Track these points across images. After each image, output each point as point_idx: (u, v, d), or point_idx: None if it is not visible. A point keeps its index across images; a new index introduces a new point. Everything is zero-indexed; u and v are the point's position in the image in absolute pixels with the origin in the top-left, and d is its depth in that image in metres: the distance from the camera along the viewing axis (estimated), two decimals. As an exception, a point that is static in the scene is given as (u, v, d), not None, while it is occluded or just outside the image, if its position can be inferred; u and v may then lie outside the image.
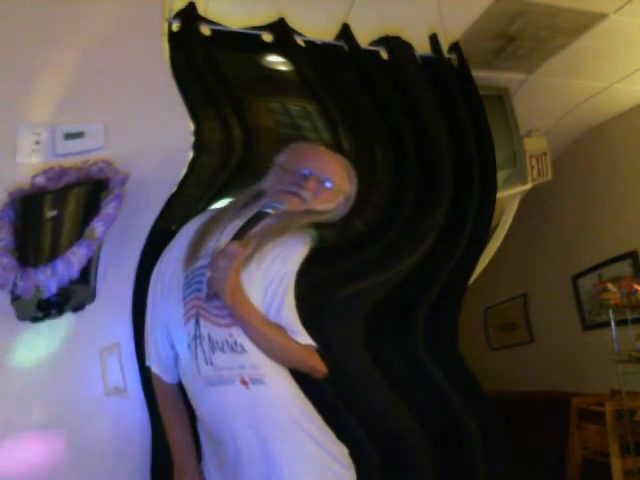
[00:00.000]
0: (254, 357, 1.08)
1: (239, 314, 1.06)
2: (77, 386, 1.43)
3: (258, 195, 1.23)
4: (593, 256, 3.43)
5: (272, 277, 1.12)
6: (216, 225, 1.17)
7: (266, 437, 1.06)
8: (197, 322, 1.10)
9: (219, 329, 1.08)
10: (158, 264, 1.24)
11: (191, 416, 1.19)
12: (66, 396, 1.40)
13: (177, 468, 1.17)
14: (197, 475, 1.16)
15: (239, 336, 1.08)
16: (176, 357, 1.18)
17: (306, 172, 1.20)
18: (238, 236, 1.07)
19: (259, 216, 1.09)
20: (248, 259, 1.08)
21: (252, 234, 1.09)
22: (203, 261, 1.13)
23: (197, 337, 1.09)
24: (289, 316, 1.12)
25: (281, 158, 1.28)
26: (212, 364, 1.07)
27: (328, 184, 1.22)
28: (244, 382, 1.07)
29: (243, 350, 1.08)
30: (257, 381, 1.07)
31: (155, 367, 1.20)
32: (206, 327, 1.09)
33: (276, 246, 1.13)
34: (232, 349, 1.07)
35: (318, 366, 1.16)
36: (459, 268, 1.92)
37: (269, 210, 1.09)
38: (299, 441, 1.09)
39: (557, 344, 3.74)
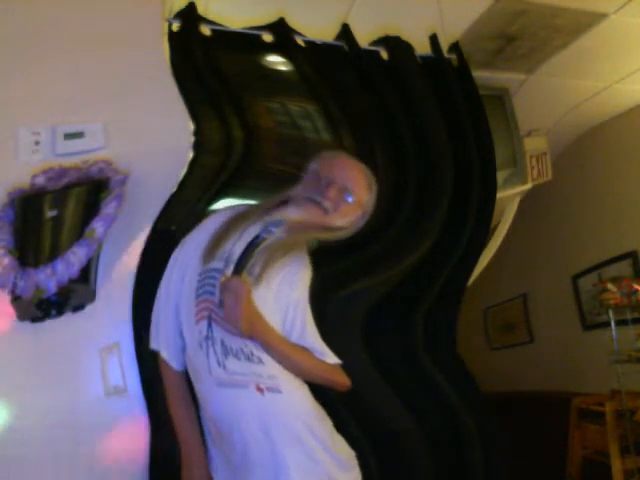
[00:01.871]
0: (271, 368, 1.08)
1: (262, 342, 1.07)
2: (77, 386, 1.43)
3: (284, 202, 1.21)
4: (593, 256, 3.44)
5: (287, 301, 1.12)
6: (237, 225, 1.16)
7: (277, 442, 1.07)
8: (209, 325, 1.09)
9: (233, 337, 1.07)
10: (178, 249, 1.22)
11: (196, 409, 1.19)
12: (66, 396, 1.40)
13: (185, 457, 1.16)
14: (204, 465, 1.16)
15: (255, 348, 1.08)
16: (184, 346, 1.17)
17: (329, 179, 1.18)
18: (238, 268, 1.06)
19: (255, 243, 1.08)
20: (258, 277, 1.08)
21: (261, 249, 1.08)
22: (217, 263, 1.12)
23: (209, 338, 1.09)
24: (313, 340, 1.14)
25: (312, 165, 1.24)
26: (225, 367, 1.07)
27: (349, 197, 1.18)
28: (259, 389, 1.07)
29: (260, 361, 1.08)
30: (274, 390, 1.08)
31: (164, 352, 1.19)
32: (219, 332, 1.08)
33: (284, 265, 1.12)
34: (248, 358, 1.07)
35: (342, 381, 1.19)
36: (459, 268, 1.92)
37: (265, 235, 1.08)
38: (310, 448, 1.09)
39: (557, 344, 3.75)
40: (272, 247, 1.10)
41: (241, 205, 1.32)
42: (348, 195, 1.19)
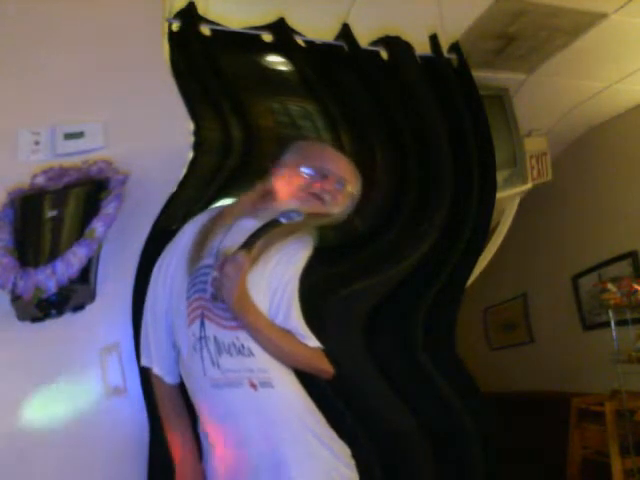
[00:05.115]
0: (262, 360, 1.08)
1: (247, 322, 1.07)
2: (77, 386, 1.43)
3: (266, 194, 1.21)
4: (593, 256, 3.44)
5: (277, 283, 1.12)
6: (221, 224, 1.17)
7: (275, 440, 1.06)
8: (202, 323, 1.09)
9: (225, 331, 1.08)
10: (159, 263, 1.23)
11: (191, 416, 1.19)
12: (66, 396, 1.40)
13: (179, 471, 1.16)
14: (199, 478, 1.15)
15: (246, 339, 1.08)
16: (177, 357, 1.17)
17: (326, 172, 1.20)
18: (248, 244, 1.06)
19: (272, 225, 1.08)
20: (254, 260, 1.08)
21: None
22: (207, 260, 1.12)
23: (202, 338, 1.08)
24: (297, 321, 1.13)
25: (290, 157, 1.25)
26: (219, 366, 1.07)
27: (340, 186, 1.22)
28: (253, 385, 1.06)
29: (251, 353, 1.07)
30: (266, 384, 1.07)
31: (157, 369, 1.19)
32: (211, 329, 1.08)
33: (280, 249, 1.13)
34: (239, 352, 1.07)
35: (326, 367, 1.17)
36: (459, 268, 1.92)
37: (284, 220, 1.08)
38: (307, 443, 1.09)
39: (557, 344, 3.75)
40: (272, 232, 1.10)
41: (211, 209, 1.34)
42: (343, 185, 1.22)
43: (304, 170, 1.20)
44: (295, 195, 1.18)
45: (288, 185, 1.20)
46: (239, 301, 1.04)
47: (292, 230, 1.14)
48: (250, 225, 1.13)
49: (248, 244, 1.06)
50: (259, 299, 1.09)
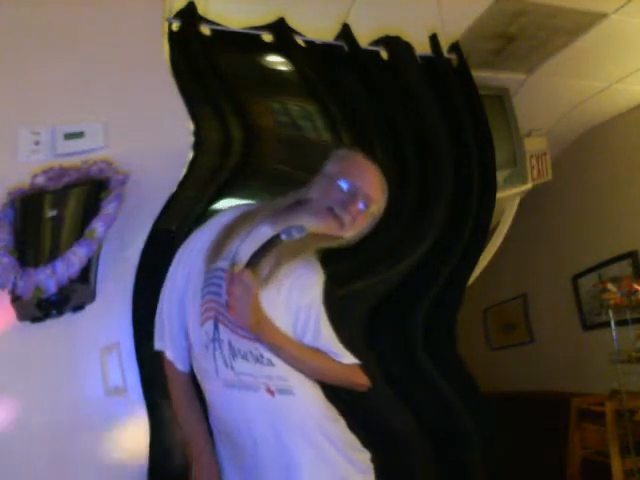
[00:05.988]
0: (282, 370, 1.07)
1: (269, 343, 1.05)
2: (77, 386, 1.43)
3: (300, 203, 1.17)
4: (593, 256, 3.44)
5: (297, 306, 1.10)
6: (245, 224, 1.15)
7: (289, 443, 1.05)
8: (216, 326, 1.08)
9: (241, 339, 1.06)
10: (179, 253, 1.20)
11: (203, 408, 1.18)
12: (66, 396, 1.40)
13: (195, 456, 1.14)
14: (213, 463, 1.14)
15: (265, 350, 1.06)
16: (189, 347, 1.16)
17: (356, 190, 1.13)
18: (252, 262, 1.03)
19: (273, 242, 1.04)
20: (266, 280, 1.06)
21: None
22: (223, 263, 1.10)
23: (216, 340, 1.07)
24: (328, 340, 1.12)
25: (330, 167, 1.20)
26: (232, 368, 1.06)
27: (365, 207, 1.15)
28: (270, 391, 1.05)
29: (270, 363, 1.06)
30: (286, 392, 1.06)
31: (170, 354, 1.17)
32: (226, 333, 1.07)
33: (289, 274, 1.10)
34: (258, 360, 1.06)
35: (361, 381, 1.17)
36: (459, 268, 1.92)
37: (286, 237, 1.04)
38: (322, 449, 1.08)
39: (557, 344, 3.75)
40: (280, 250, 1.07)
41: (247, 205, 1.29)
42: (368, 205, 1.16)
43: (340, 184, 1.14)
44: (314, 210, 1.14)
45: (317, 198, 1.15)
46: (257, 324, 1.03)
47: (302, 249, 1.11)
48: (267, 233, 1.10)
49: (252, 263, 1.03)
50: (279, 321, 1.07)
